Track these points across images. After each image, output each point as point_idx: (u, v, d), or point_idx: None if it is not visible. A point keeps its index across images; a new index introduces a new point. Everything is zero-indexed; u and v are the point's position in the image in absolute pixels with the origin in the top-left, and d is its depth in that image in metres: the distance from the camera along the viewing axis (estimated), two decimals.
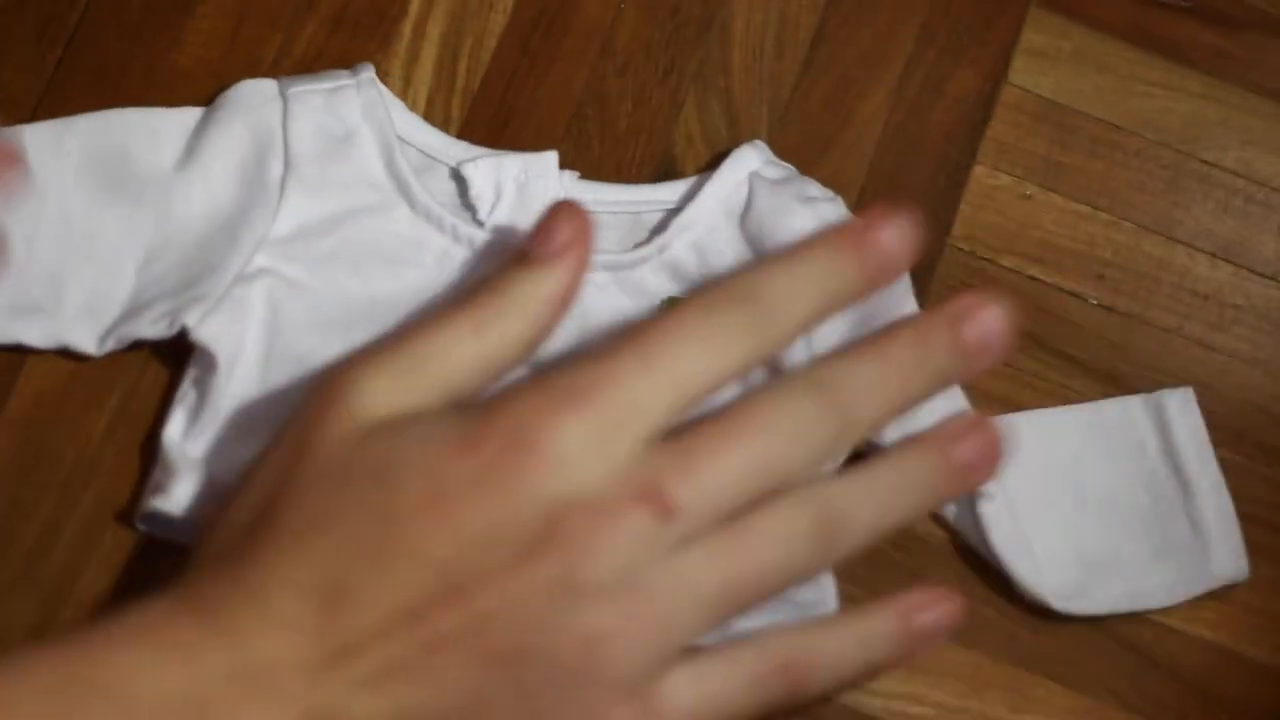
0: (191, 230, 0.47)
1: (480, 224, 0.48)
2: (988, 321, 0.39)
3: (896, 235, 0.39)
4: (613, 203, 0.49)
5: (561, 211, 0.40)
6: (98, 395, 0.48)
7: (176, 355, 0.47)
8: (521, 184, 0.48)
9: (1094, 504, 0.48)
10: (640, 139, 0.51)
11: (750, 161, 0.50)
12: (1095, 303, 0.51)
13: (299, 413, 0.39)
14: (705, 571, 0.36)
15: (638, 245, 0.49)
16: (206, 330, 0.46)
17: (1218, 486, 0.49)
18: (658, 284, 0.48)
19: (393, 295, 0.47)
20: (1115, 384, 0.50)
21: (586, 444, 0.35)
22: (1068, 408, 0.50)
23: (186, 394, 0.46)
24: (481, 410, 0.37)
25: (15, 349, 0.47)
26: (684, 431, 0.37)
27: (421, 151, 0.49)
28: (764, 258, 0.40)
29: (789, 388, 0.37)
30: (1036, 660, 0.47)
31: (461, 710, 0.35)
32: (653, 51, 0.52)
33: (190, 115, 0.49)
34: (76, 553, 0.46)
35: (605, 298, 0.48)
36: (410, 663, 0.34)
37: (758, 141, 0.50)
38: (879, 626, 0.39)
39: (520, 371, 0.44)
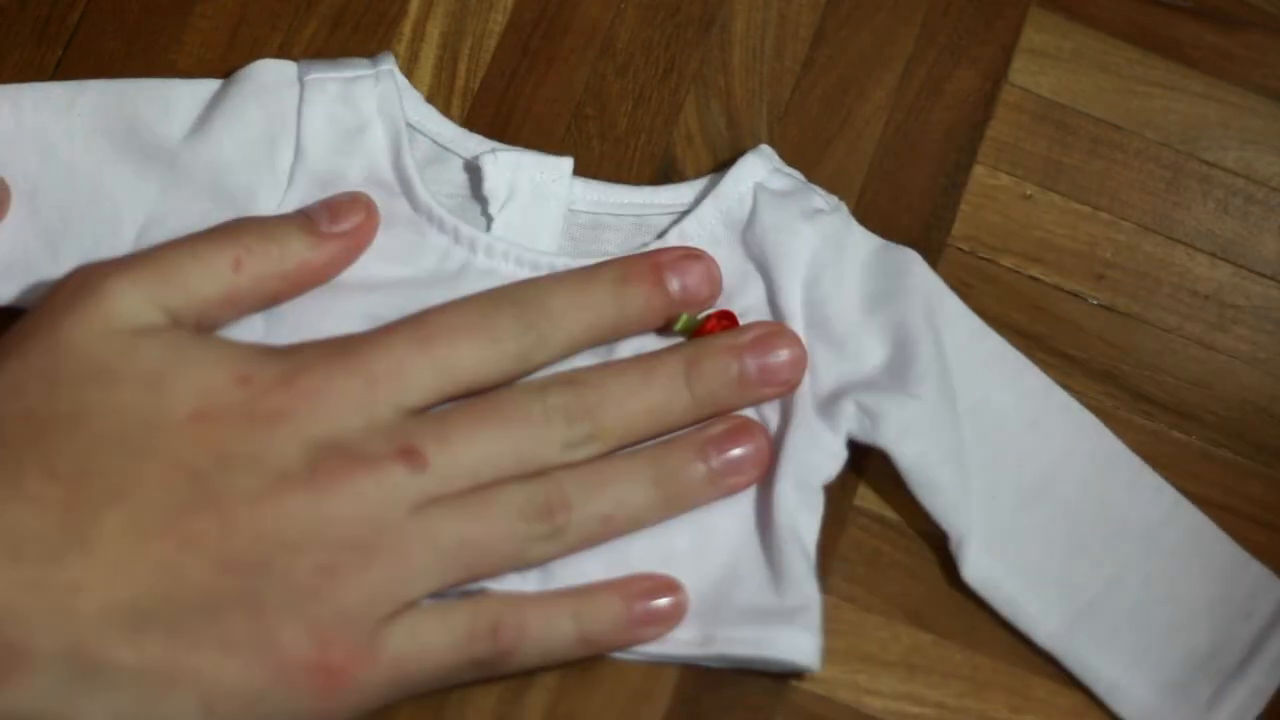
0: (194, 203, 0.47)
1: (487, 219, 0.48)
2: (774, 354, 0.44)
3: (693, 279, 0.45)
4: (618, 204, 0.49)
5: (360, 200, 0.45)
6: None
7: None
8: (536, 184, 0.48)
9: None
10: (640, 139, 0.51)
11: (756, 171, 0.49)
12: (1095, 303, 0.51)
13: (45, 307, 0.41)
14: (444, 529, 0.39)
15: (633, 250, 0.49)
16: None
17: None
18: None
19: (389, 291, 0.47)
20: (1115, 384, 0.50)
21: (353, 398, 0.40)
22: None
23: None
24: (261, 350, 0.41)
25: None
26: (445, 410, 0.41)
27: (435, 141, 0.49)
28: (560, 273, 0.45)
29: (549, 384, 0.42)
30: (1038, 660, 0.47)
31: (196, 609, 0.37)
32: (653, 51, 0.52)
33: (205, 87, 0.49)
34: None
35: None
36: (152, 557, 0.37)
37: (764, 147, 0.50)
38: (598, 605, 0.41)
39: None
